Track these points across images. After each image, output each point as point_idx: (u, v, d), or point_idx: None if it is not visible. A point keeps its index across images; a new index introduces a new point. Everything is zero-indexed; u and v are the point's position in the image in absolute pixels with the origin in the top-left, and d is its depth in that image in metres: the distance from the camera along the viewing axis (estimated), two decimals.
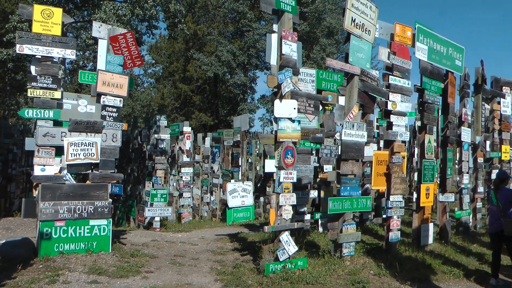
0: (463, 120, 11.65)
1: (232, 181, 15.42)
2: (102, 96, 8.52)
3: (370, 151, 11.47)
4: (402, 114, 9.14)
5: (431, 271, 7.88)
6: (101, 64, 8.61)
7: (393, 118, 8.98)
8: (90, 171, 8.40)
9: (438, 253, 9.29)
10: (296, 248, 7.50)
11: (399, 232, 9.08)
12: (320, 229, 11.44)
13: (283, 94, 7.55)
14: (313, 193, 11.54)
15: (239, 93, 40.30)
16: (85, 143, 8.22)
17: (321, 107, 11.26)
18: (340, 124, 8.02)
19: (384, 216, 9.00)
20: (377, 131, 14.27)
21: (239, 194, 14.51)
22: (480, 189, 12.79)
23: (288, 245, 7.44)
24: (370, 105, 8.76)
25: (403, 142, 9.44)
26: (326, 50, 35.18)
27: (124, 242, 9.58)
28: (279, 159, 7.48)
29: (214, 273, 7.73)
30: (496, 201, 7.67)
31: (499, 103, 14.19)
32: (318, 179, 11.87)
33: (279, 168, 7.52)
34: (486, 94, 13.46)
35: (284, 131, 7.54)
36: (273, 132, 7.81)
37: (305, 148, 10.87)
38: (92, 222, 8.18)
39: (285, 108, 7.50)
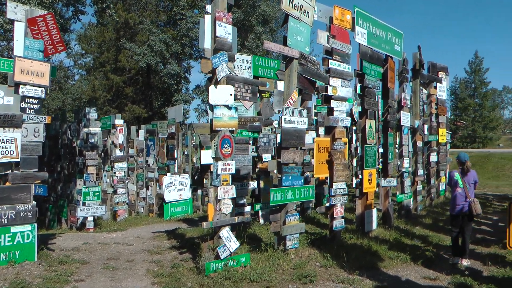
0: (402, 104, 11.71)
1: (168, 174, 14.87)
2: (21, 86, 7.64)
3: (309, 138, 11.32)
4: (342, 99, 8.95)
5: (378, 258, 7.81)
6: (18, 49, 7.71)
7: (334, 103, 8.77)
8: (9, 171, 7.56)
9: (382, 238, 9.27)
10: (238, 244, 7.13)
11: (343, 220, 8.94)
12: (261, 221, 11.18)
13: (218, 80, 7.11)
14: (253, 184, 11.22)
15: (173, 84, 39.25)
16: (3, 139, 7.36)
17: (257, 95, 10.94)
18: (279, 111, 7.68)
19: (327, 204, 8.80)
20: (316, 118, 14.18)
21: (176, 188, 13.98)
22: (420, 172, 13.00)
23: (229, 241, 7.06)
24: (310, 90, 8.49)
25: (345, 128, 9.27)
26: (261, 38, 34.77)
27: (53, 247, 8.82)
28: (216, 149, 7.05)
29: (151, 275, 7.21)
30: (463, 183, 7.72)
31: (435, 87, 14.49)
32: (257, 169, 11.58)
33: (216, 159, 7.10)
34: (424, 79, 13.66)
35: (221, 119, 7.11)
36: (209, 122, 7.37)
37: (243, 138, 10.50)
38: (13, 229, 7.35)
39: (221, 94, 7.07)
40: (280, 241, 7.74)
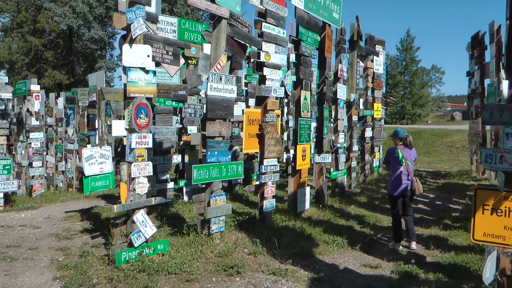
0: (339, 76, 11.21)
1: (89, 146, 13.69)
2: None
3: (238, 110, 10.67)
4: (276, 66, 8.23)
5: (312, 242, 7.22)
6: None
7: (266, 71, 8.04)
8: None
9: (316, 219, 8.77)
10: (155, 230, 6.30)
11: (274, 199, 8.33)
12: (185, 198, 10.48)
13: (133, 38, 6.12)
14: (177, 158, 10.40)
15: (97, 49, 36.94)
16: None
17: (183, 61, 10.03)
18: (204, 77, 6.84)
19: (257, 182, 8.13)
20: (246, 88, 13.46)
21: (97, 161, 12.86)
22: (355, 147, 12.68)
23: (145, 225, 6.21)
24: (241, 56, 7.68)
25: (278, 99, 8.59)
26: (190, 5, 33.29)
27: None
28: (130, 119, 6.12)
29: (54, 267, 6.23)
30: (405, 161, 7.22)
31: (372, 61, 14.17)
32: (181, 142, 10.78)
33: (131, 130, 6.18)
34: (361, 51, 13.26)
35: (136, 84, 6.16)
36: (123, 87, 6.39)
37: (166, 107, 9.83)
38: None
39: (136, 55, 6.10)
40: (204, 224, 6.99)
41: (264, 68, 8.01)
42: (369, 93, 14.10)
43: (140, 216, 6.21)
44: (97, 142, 14.24)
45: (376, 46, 14.54)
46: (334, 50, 11.34)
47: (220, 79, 6.94)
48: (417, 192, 7.18)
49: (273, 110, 8.21)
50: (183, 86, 10.35)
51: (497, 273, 3.73)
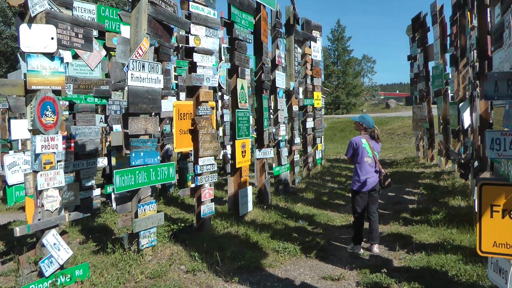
0: (277, 63, 10.53)
1: (11, 152, 12.22)
2: None
3: (169, 105, 9.83)
4: (208, 52, 7.39)
5: (260, 252, 6.41)
6: None
7: (197, 57, 7.18)
8: None
9: (261, 222, 8.04)
10: (70, 253, 5.28)
11: (213, 203, 7.50)
12: (114, 206, 9.43)
13: (32, 16, 5.06)
14: (102, 161, 9.38)
15: (19, 48, 34.11)
16: None
17: (104, 52, 9.01)
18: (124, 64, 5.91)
19: (192, 185, 7.28)
20: (176, 82, 12.53)
21: (21, 168, 11.59)
22: (297, 140, 12.08)
23: (57, 249, 5.18)
24: (166, 39, 6.76)
25: (212, 89, 7.76)
26: None
27: None
28: (34, 117, 5.06)
29: None
30: (372, 152, 6.54)
31: (310, 47, 13.64)
32: (107, 143, 9.73)
33: (35, 131, 5.13)
34: (298, 36, 12.68)
35: (39, 73, 5.11)
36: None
37: (88, 105, 8.93)
38: None
39: (37, 37, 5.05)
40: (132, 238, 6.04)
41: (194, 54, 7.15)
42: (308, 81, 13.57)
43: (52, 238, 5.18)
44: (19, 148, 12.80)
45: (313, 31, 14.04)
46: (270, 35, 10.66)
47: (143, 66, 6.01)
48: (386, 183, 6.54)
49: (207, 102, 7.37)
50: (106, 81, 9.40)
51: None
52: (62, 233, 5.45)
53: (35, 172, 5.15)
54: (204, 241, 6.58)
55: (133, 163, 5.88)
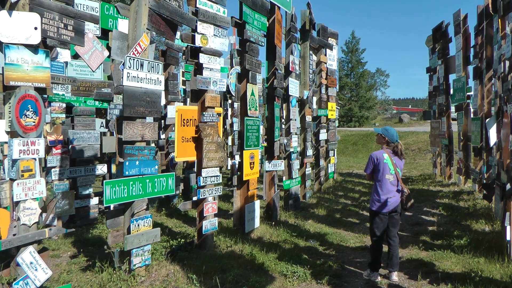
0: (290, 69, 9.88)
1: None
2: None
3: (173, 111, 9.20)
4: (216, 53, 6.75)
5: (266, 276, 5.68)
6: None
7: (203, 58, 6.53)
8: None
9: (269, 241, 7.32)
10: (49, 273, 4.62)
11: (216, 219, 6.82)
12: None
13: (13, 1, 4.45)
14: (101, 169, 8.77)
15: None
16: None
17: (107, 53, 8.44)
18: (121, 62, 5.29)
19: (194, 198, 6.61)
20: (184, 87, 11.92)
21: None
22: (309, 152, 11.37)
23: (35, 268, 4.54)
24: (169, 36, 6.12)
25: (220, 94, 7.11)
26: None
27: None
28: (12, 118, 4.44)
29: None
30: (394, 168, 5.82)
31: (325, 55, 12.99)
32: None
33: (12, 134, 4.52)
34: (314, 43, 12.03)
35: (19, 68, 4.49)
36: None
37: (87, 108, 8.52)
38: None
39: (18, 26, 4.44)
40: (124, 257, 5.37)
41: (201, 54, 6.51)
42: (323, 90, 12.89)
43: (28, 256, 4.53)
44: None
45: (329, 38, 13.39)
46: (284, 40, 10.02)
47: (142, 65, 5.38)
48: (409, 204, 5.82)
49: (213, 108, 6.71)
50: (108, 83, 8.92)
51: None
52: (42, 250, 4.80)
53: (12, 180, 4.51)
54: (205, 261, 5.89)
55: (127, 172, 5.23)
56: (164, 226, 8.57)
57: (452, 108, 14.34)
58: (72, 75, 8.35)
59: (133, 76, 5.26)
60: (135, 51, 5.36)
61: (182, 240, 6.98)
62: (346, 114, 55.55)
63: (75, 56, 8.49)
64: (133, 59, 5.28)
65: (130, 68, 5.23)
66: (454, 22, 13.05)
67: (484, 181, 10.60)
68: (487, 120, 9.49)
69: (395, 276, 5.79)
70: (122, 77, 5.17)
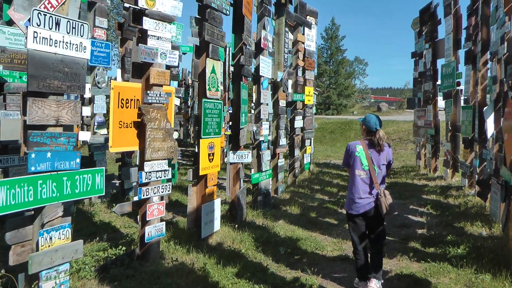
0: (262, 47, 8.60)
1: None
2: None
3: None
4: (166, 18, 5.42)
5: None
6: None
7: (148, 23, 5.21)
8: None
9: (229, 249, 6.08)
10: None
11: (163, 223, 5.55)
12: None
13: None
14: None
15: None
16: None
17: None
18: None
19: (135, 198, 5.32)
20: None
21: None
22: (283, 141, 10.15)
23: None
24: None
25: (170, 69, 5.79)
26: None
27: None
28: None
29: None
30: (368, 163, 4.78)
31: (303, 34, 11.74)
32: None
33: None
34: (290, 19, 10.78)
35: None
36: None
37: (24, 85, 7.36)
38: None
39: None
40: (31, 281, 4.07)
41: (145, 18, 5.18)
42: (299, 73, 11.65)
43: None
44: None
45: (308, 16, 12.14)
46: (255, 12, 8.73)
47: (58, 24, 4.04)
48: (384, 210, 4.66)
49: (161, 86, 5.40)
50: None
51: None
52: None
53: None
54: (144, 280, 4.64)
55: (33, 168, 3.90)
56: (110, 227, 7.29)
57: (440, 97, 13.29)
58: (4, 45, 6.96)
59: (43, 37, 3.91)
60: (48, 3, 4.01)
61: (124, 248, 5.71)
62: (324, 102, 54.63)
63: (9, 23, 7.11)
64: (45, 15, 3.94)
65: (38, 26, 3.88)
66: (444, 3, 11.93)
67: (477, 176, 9.58)
68: (484, 108, 8.41)
69: (375, 283, 4.70)
70: (26, 37, 3.82)
